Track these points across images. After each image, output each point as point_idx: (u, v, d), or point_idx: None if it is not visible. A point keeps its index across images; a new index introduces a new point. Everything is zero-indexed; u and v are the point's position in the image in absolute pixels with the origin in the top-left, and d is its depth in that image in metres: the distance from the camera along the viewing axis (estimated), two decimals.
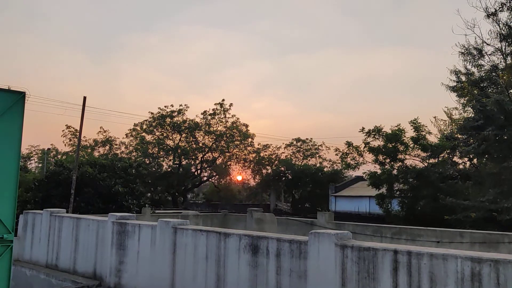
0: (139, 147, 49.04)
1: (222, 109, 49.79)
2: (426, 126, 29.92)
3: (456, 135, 29.86)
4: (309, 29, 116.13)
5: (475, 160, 28.92)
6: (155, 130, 49.65)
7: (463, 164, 30.63)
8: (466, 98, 28.23)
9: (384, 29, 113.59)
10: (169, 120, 49.30)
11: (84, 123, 22.59)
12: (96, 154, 47.74)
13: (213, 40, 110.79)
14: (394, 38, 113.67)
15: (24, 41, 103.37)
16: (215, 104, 49.92)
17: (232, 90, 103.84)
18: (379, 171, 30.37)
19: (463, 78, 28.35)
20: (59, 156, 49.17)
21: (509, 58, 25.03)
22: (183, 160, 50.72)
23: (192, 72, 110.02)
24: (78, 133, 27.54)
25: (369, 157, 32.22)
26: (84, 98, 22.50)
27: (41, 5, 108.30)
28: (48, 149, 53.68)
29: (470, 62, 27.06)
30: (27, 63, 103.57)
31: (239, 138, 50.79)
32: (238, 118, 50.44)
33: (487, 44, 25.29)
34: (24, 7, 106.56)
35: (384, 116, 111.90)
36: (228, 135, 49.93)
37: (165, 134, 49.90)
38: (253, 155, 53.15)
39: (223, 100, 49.58)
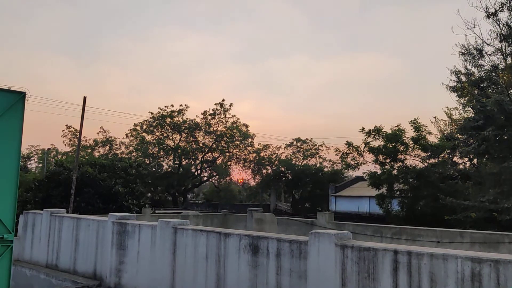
0: (139, 147, 49.03)
1: (222, 109, 49.81)
2: (426, 126, 29.95)
3: (456, 135, 29.84)
4: (283, 34, 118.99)
5: (475, 160, 28.91)
6: (155, 130, 49.65)
7: (463, 164, 30.65)
8: (466, 98, 28.23)
9: (354, 34, 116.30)
10: (169, 120, 49.30)
11: (79, 123, 22.59)
12: (96, 154, 47.76)
13: (189, 43, 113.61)
14: (366, 43, 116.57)
15: (6, 44, 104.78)
16: (215, 104, 50.02)
17: (212, 93, 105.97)
18: (379, 171, 30.36)
19: (463, 78, 28.35)
20: (59, 156, 49.15)
21: (509, 58, 25.02)
22: (183, 160, 50.71)
23: (171, 75, 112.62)
24: (78, 133, 27.55)
25: (369, 157, 32.24)
26: (84, 98, 22.48)
27: (21, 8, 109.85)
28: (48, 149, 53.71)
29: (470, 62, 27.08)
30: (11, 65, 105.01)
31: (239, 138, 50.79)
32: (238, 118, 50.54)
33: (487, 44, 25.30)
34: (5, 10, 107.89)
35: (365, 117, 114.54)
36: (228, 135, 49.92)
37: (165, 134, 49.89)
38: (253, 155, 53.15)
39: (223, 100, 49.67)
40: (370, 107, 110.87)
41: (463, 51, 26.65)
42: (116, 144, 51.85)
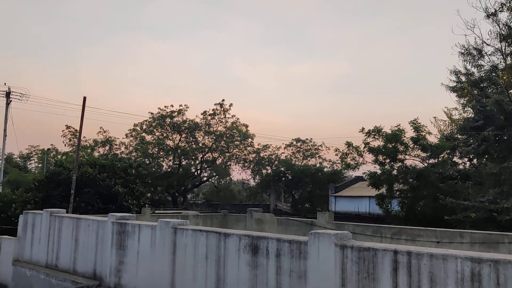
0: (139, 147, 49.03)
1: (222, 109, 49.83)
2: (426, 127, 29.94)
3: (456, 135, 29.83)
4: (249, 42, 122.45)
5: (475, 160, 28.90)
6: (155, 130, 49.65)
7: (463, 164, 30.62)
8: (466, 99, 28.22)
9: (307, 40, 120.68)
10: (169, 120, 49.32)
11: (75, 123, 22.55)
12: (96, 154, 47.72)
13: (157, 50, 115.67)
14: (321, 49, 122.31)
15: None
16: (215, 104, 50.05)
17: (186, 97, 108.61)
18: (379, 171, 30.34)
19: (463, 79, 28.34)
20: (59, 156, 49.11)
21: (509, 58, 25.00)
22: (183, 160, 50.72)
23: (144, 81, 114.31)
24: (78, 133, 27.53)
25: (369, 157, 32.21)
26: (84, 98, 22.40)
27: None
28: (48, 149, 53.74)
29: (470, 62, 27.05)
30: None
31: (239, 138, 50.80)
32: (238, 118, 50.57)
33: (487, 45, 25.24)
34: None
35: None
36: (228, 135, 49.93)
37: (165, 134, 49.91)
38: (253, 155, 53.16)
39: (223, 100, 49.69)
40: (332, 107, 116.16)
41: (462, 51, 26.65)
42: (116, 144, 51.87)
